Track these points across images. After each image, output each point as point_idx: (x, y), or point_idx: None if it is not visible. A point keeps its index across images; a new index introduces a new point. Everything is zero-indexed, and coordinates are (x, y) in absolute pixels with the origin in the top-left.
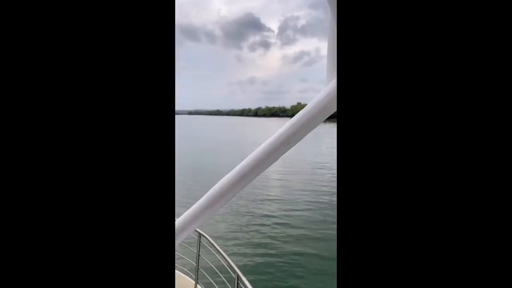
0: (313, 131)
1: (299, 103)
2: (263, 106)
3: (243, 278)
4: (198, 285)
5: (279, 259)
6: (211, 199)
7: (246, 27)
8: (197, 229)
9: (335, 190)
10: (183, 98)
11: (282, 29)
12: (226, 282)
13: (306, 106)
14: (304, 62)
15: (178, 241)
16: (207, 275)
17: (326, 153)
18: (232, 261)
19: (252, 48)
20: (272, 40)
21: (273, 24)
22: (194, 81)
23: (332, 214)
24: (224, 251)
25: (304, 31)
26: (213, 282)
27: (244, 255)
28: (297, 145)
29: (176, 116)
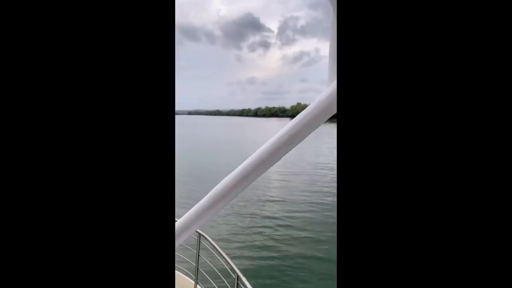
0: (313, 131)
1: (299, 103)
2: (263, 106)
3: (243, 279)
4: (198, 285)
5: (283, 263)
6: (213, 199)
7: (245, 27)
8: (197, 230)
9: None
10: (183, 98)
11: (282, 29)
12: (226, 282)
13: (308, 107)
14: (303, 63)
15: (180, 241)
16: (207, 275)
17: (327, 154)
18: (235, 264)
19: (252, 48)
20: (272, 40)
21: (273, 25)
22: (194, 81)
23: (335, 215)
24: (227, 254)
25: (304, 31)
26: (213, 282)
27: (249, 258)
28: (297, 145)
29: (176, 116)
